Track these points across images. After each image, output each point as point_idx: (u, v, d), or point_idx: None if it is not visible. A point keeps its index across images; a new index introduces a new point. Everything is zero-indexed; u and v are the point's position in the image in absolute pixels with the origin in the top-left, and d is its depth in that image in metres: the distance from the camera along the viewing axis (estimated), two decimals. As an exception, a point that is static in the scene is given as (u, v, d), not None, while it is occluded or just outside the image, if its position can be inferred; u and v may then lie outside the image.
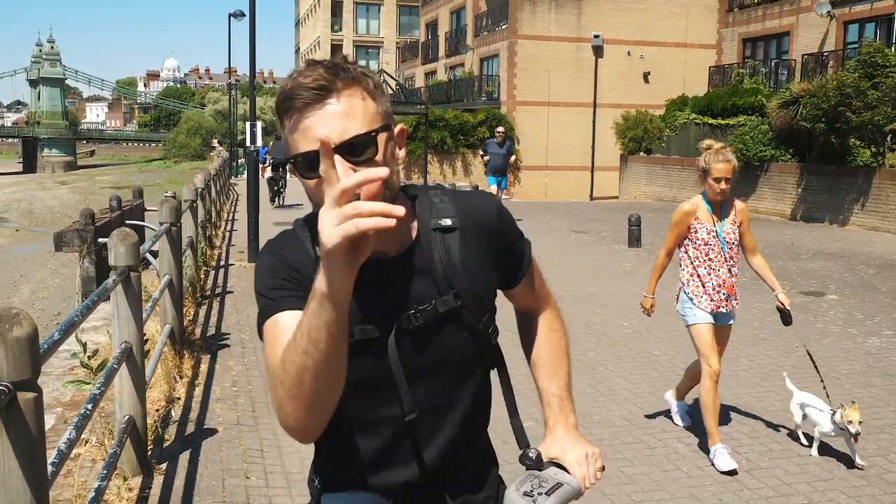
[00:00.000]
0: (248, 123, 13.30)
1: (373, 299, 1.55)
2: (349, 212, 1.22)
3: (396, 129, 1.56)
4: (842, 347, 7.75)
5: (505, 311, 1.84)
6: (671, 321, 8.75)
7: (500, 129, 18.18)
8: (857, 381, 6.67)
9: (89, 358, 4.66)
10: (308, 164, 1.46)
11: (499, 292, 1.80)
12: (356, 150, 1.45)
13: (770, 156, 21.28)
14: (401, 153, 1.58)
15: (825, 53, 25.32)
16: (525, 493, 1.59)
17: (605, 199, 29.59)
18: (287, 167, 31.27)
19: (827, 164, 19.73)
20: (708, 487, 4.66)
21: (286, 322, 1.49)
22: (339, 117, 1.46)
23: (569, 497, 1.61)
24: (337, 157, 1.34)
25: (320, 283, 1.29)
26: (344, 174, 1.31)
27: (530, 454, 1.67)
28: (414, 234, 1.61)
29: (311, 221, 1.60)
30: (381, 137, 1.49)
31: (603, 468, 1.74)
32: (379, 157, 1.48)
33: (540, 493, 1.57)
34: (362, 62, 62.99)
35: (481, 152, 17.77)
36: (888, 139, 18.62)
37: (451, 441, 1.68)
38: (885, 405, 6.11)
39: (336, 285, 1.28)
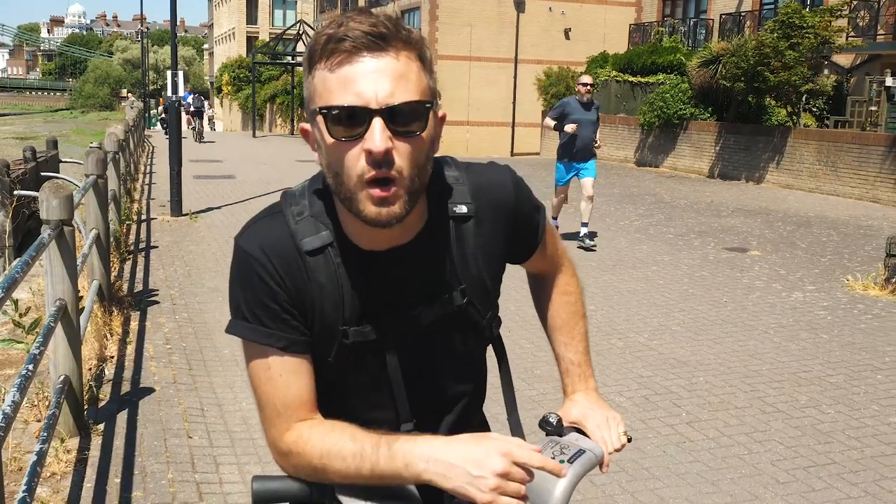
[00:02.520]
0: (169, 72, 12.81)
1: (373, 297, 1.41)
2: (514, 486, 1.24)
3: (440, 114, 1.38)
4: (767, 301, 7.96)
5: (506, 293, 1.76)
6: (605, 277, 8.88)
7: (587, 79, 10.32)
8: (785, 335, 6.86)
9: (21, 316, 4.43)
10: (342, 120, 1.25)
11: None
12: (405, 118, 1.26)
13: (689, 114, 21.64)
14: (436, 144, 1.38)
15: (742, 13, 25.76)
16: None
17: (526, 154, 29.72)
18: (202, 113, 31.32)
19: (744, 122, 20.18)
20: (651, 440, 4.74)
21: (283, 366, 1.38)
22: (391, 76, 1.25)
23: (592, 464, 1.52)
24: (379, 122, 1.23)
25: (410, 468, 1.28)
26: (382, 140, 1.21)
27: (550, 419, 1.55)
28: (424, 219, 1.43)
29: (300, 198, 1.42)
30: (431, 115, 1.32)
31: (627, 434, 1.63)
32: (426, 133, 1.30)
33: (562, 461, 1.47)
34: (278, 12, 61.70)
35: (551, 119, 10.20)
36: (803, 99, 19.12)
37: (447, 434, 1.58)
38: (812, 357, 6.30)
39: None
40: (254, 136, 33.67)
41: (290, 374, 1.38)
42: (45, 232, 3.81)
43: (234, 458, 4.28)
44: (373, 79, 1.24)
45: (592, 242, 10.29)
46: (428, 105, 1.30)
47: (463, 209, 1.45)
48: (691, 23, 28.64)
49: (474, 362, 1.59)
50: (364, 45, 1.24)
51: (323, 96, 1.27)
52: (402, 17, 35.02)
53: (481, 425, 1.69)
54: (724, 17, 26.30)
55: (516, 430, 1.64)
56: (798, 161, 18.34)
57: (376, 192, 1.26)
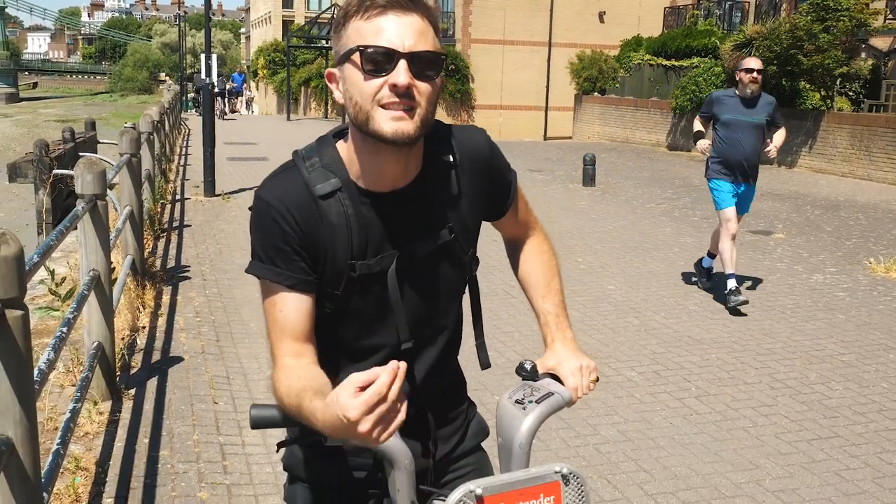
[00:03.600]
0: (202, 56, 13.07)
1: (377, 234, 1.63)
2: (381, 420, 1.29)
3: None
4: (787, 283, 8.03)
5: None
6: (627, 258, 8.99)
7: (754, 63, 7.23)
8: (801, 315, 6.95)
9: (57, 286, 4.68)
10: (375, 58, 1.50)
11: (485, 225, 1.87)
12: (425, 63, 1.52)
13: (722, 98, 21.49)
14: None
15: (779, -4, 25.51)
16: (517, 401, 1.67)
17: (559, 139, 29.72)
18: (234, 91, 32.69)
19: (778, 106, 20.01)
20: (659, 412, 4.89)
21: (286, 301, 1.61)
22: (415, 30, 1.52)
23: (558, 405, 1.68)
24: (404, 63, 1.48)
25: (325, 414, 1.36)
26: (405, 77, 1.48)
27: (525, 365, 1.73)
28: (419, 166, 1.66)
29: (312, 153, 1.65)
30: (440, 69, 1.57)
31: (597, 380, 1.81)
32: (438, 80, 1.56)
33: (531, 402, 1.65)
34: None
35: (698, 121, 7.45)
36: (837, 83, 18.94)
37: (435, 363, 1.77)
38: (826, 337, 6.39)
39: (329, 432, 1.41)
40: (288, 119, 34.03)
41: (292, 311, 1.61)
42: (80, 205, 4.04)
43: (256, 423, 4.50)
44: (401, 30, 1.51)
45: (742, 298, 6.82)
46: (443, 57, 1.56)
47: (450, 158, 1.71)
48: (727, 6, 28.36)
49: (458, 294, 1.82)
50: (395, 3, 1.52)
51: (357, 40, 1.53)
52: (437, 0, 35.12)
53: (455, 368, 1.91)
54: (759, -1, 26.05)
55: (482, 351, 1.89)
56: (831, 145, 18.20)
57: (395, 112, 1.51)
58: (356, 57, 1.52)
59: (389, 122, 1.51)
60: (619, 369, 5.56)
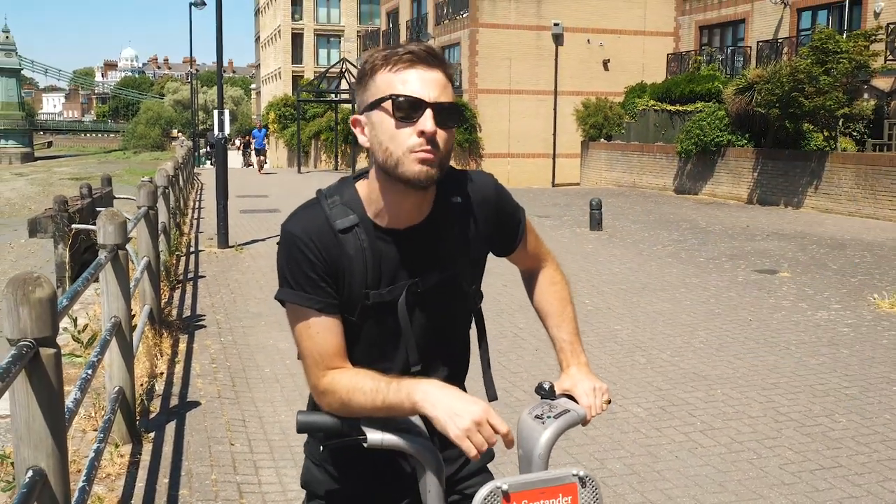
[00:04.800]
0: (215, 111, 13.42)
1: (390, 267, 1.80)
2: (482, 437, 1.60)
3: None
4: (792, 320, 8.15)
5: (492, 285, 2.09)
6: (633, 299, 9.13)
7: None
8: (806, 351, 7.05)
9: (79, 333, 4.87)
10: (405, 107, 1.68)
11: (498, 260, 2.06)
12: (447, 115, 1.71)
13: (727, 141, 21.79)
14: None
15: (780, 40, 25.93)
16: (536, 416, 1.84)
17: (567, 185, 29.99)
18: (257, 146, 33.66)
19: (782, 148, 20.27)
20: (665, 446, 4.99)
21: (317, 324, 1.78)
22: (439, 84, 1.71)
23: (574, 422, 1.86)
24: (430, 112, 1.68)
25: (411, 397, 1.66)
26: (432, 125, 1.67)
27: (544, 385, 1.91)
28: (430, 206, 1.83)
29: (334, 192, 1.84)
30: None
31: (609, 401, 1.98)
32: (454, 131, 1.75)
33: (549, 417, 1.83)
34: (322, 51, 63.04)
35: None
36: (840, 123, 19.17)
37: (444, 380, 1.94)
38: (830, 371, 6.49)
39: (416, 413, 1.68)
40: (299, 171, 34.44)
41: (324, 331, 1.79)
42: (102, 254, 4.24)
43: (272, 463, 4.64)
44: (427, 83, 1.70)
45: None
46: (462, 109, 1.75)
47: (459, 199, 1.88)
48: (729, 51, 28.83)
49: (464, 324, 1.99)
50: (421, 58, 1.71)
51: (386, 91, 1.70)
52: (443, 52, 35.75)
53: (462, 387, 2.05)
54: (761, 44, 26.48)
55: (489, 385, 2.04)
56: (836, 185, 18.38)
57: (420, 157, 1.69)
58: (388, 104, 1.69)
59: (417, 166, 1.68)
60: (626, 405, 5.68)
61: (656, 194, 23.64)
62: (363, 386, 1.72)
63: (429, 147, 1.68)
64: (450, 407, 1.62)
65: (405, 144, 1.68)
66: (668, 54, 31.71)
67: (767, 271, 10.81)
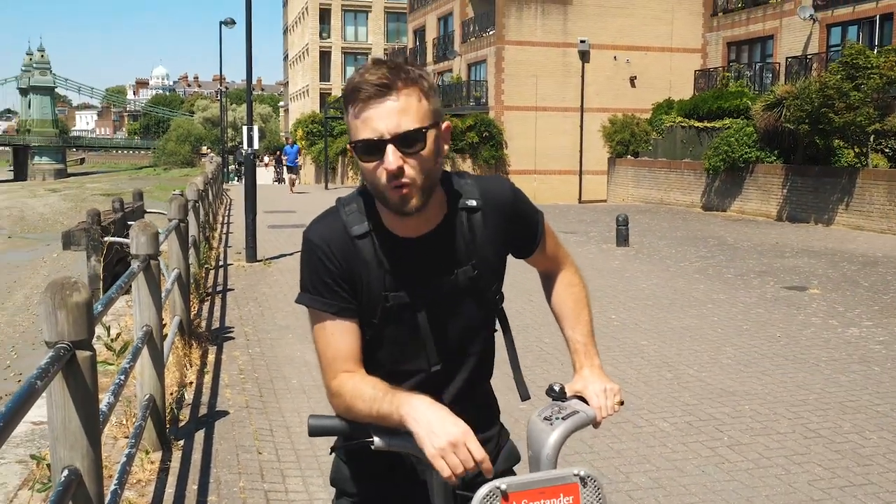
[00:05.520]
0: (244, 128, 13.58)
1: (406, 270, 1.85)
2: (458, 459, 1.61)
3: (443, 126, 1.82)
4: (822, 337, 8.08)
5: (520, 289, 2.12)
6: (660, 315, 9.09)
7: None
8: (836, 367, 6.99)
9: (112, 341, 4.95)
10: (366, 150, 1.72)
11: (518, 262, 2.08)
12: (408, 142, 1.71)
13: (755, 157, 21.68)
14: (445, 147, 1.84)
15: (809, 56, 25.78)
16: (545, 418, 1.85)
17: (593, 202, 29.95)
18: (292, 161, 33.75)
19: (811, 164, 20.13)
20: (691, 461, 4.97)
21: (333, 327, 1.84)
22: (395, 113, 1.70)
23: (583, 423, 1.87)
24: (391, 147, 1.70)
25: (399, 410, 1.68)
26: (395, 161, 1.68)
27: (555, 387, 1.92)
28: (443, 212, 1.87)
29: (351, 200, 1.89)
30: (430, 134, 1.75)
31: (622, 402, 1.98)
32: (426, 151, 1.74)
33: (558, 418, 1.84)
34: (350, 69, 63.56)
35: None
36: (871, 139, 19.01)
37: (462, 387, 1.96)
38: (861, 388, 6.43)
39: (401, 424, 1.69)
40: (326, 188, 34.67)
41: (338, 334, 1.85)
42: (135, 264, 4.31)
43: (298, 472, 4.68)
44: (383, 116, 1.70)
45: None
46: (425, 130, 1.74)
47: (472, 203, 1.90)
48: (757, 67, 28.71)
49: (484, 325, 2.00)
50: (373, 92, 1.71)
51: (353, 134, 1.76)
52: (469, 70, 35.91)
53: (487, 395, 2.07)
54: (790, 60, 26.35)
55: (520, 385, 2.07)
56: (868, 202, 18.21)
57: (396, 192, 1.73)
58: (352, 150, 1.76)
59: (396, 200, 1.73)
60: (652, 420, 5.65)
61: (684, 211, 23.54)
62: (363, 393, 1.77)
63: (398, 181, 1.71)
64: (430, 424, 1.64)
65: (381, 181, 1.73)
66: (695, 71, 31.63)
67: (797, 288, 10.73)
